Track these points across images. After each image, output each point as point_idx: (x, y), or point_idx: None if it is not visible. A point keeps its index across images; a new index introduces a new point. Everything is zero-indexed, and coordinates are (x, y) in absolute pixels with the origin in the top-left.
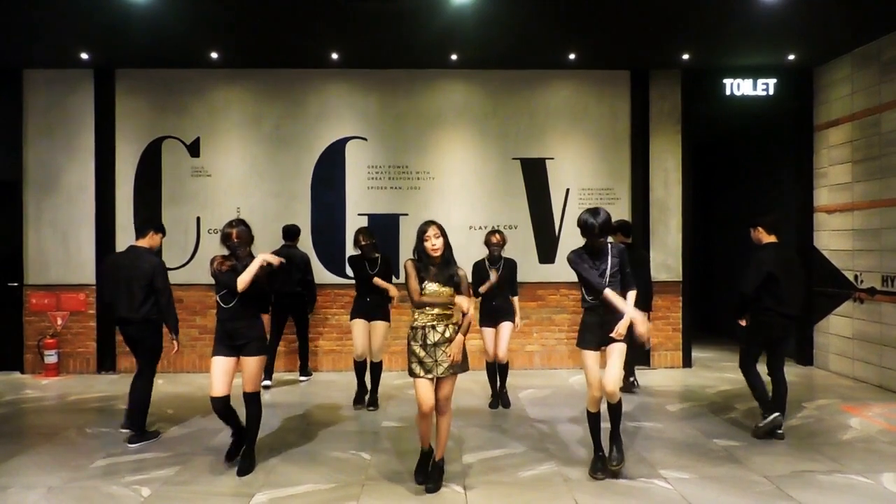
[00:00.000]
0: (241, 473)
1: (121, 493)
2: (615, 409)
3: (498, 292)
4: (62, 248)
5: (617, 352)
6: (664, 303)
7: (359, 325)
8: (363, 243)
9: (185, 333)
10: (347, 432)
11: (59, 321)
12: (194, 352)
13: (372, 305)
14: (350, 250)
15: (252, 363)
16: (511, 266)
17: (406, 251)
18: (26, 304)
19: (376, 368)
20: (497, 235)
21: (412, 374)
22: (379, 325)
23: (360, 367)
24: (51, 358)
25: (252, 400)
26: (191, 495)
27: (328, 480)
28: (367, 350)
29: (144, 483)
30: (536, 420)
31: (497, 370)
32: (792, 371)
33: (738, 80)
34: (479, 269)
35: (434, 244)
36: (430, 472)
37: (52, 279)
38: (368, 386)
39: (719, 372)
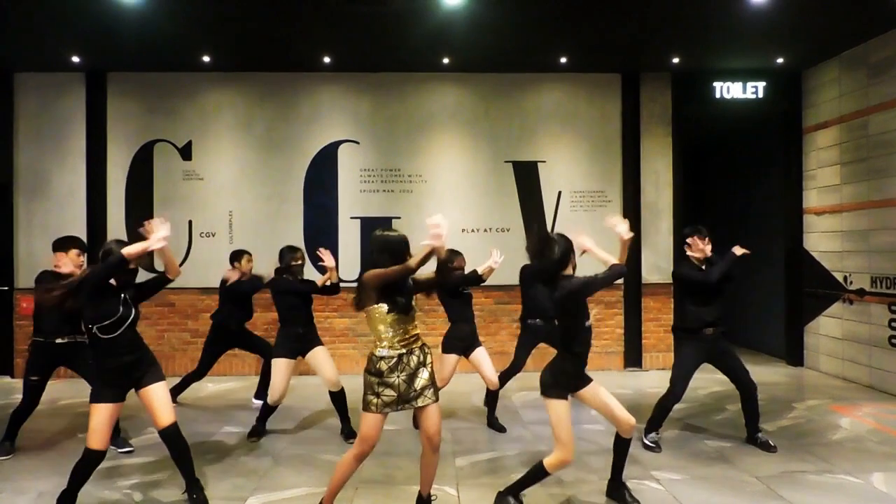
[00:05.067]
0: None
1: (112, 497)
2: (627, 445)
3: (468, 315)
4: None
5: (605, 391)
6: (655, 304)
7: (280, 364)
8: (297, 263)
9: (178, 337)
10: (340, 435)
11: None
12: (185, 356)
13: (305, 336)
14: (344, 253)
15: (161, 389)
16: (468, 279)
17: None
18: (16, 308)
19: (339, 398)
20: (461, 259)
21: (370, 407)
22: (320, 351)
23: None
24: None
25: (173, 434)
26: (183, 500)
27: (321, 483)
28: (284, 394)
29: (136, 488)
30: (529, 422)
31: (487, 398)
32: (782, 371)
33: (728, 83)
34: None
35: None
36: None
37: None
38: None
39: (710, 373)
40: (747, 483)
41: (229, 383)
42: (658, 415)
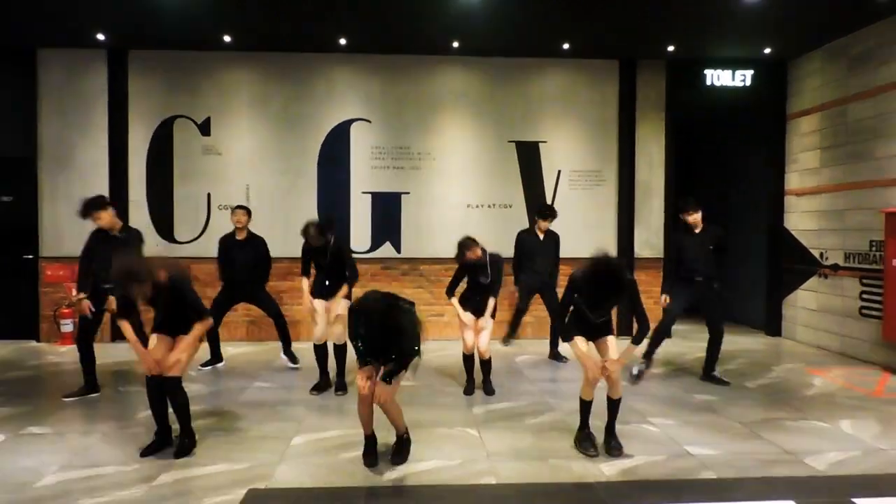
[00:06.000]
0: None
1: None
2: (617, 404)
3: (482, 291)
4: (76, 221)
5: (613, 343)
6: (647, 277)
7: (318, 304)
8: (314, 242)
9: None
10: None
11: (74, 292)
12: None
13: (331, 287)
14: (355, 226)
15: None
16: (498, 266)
17: (407, 228)
18: (42, 275)
19: (340, 351)
20: (476, 251)
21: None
22: (342, 304)
23: (319, 350)
24: (66, 327)
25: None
26: (234, 439)
27: (354, 426)
28: (325, 332)
29: None
30: (535, 380)
31: (480, 365)
32: (761, 341)
33: (719, 71)
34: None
35: None
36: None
37: (67, 251)
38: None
39: (696, 342)
40: (732, 427)
41: (246, 347)
42: (653, 338)
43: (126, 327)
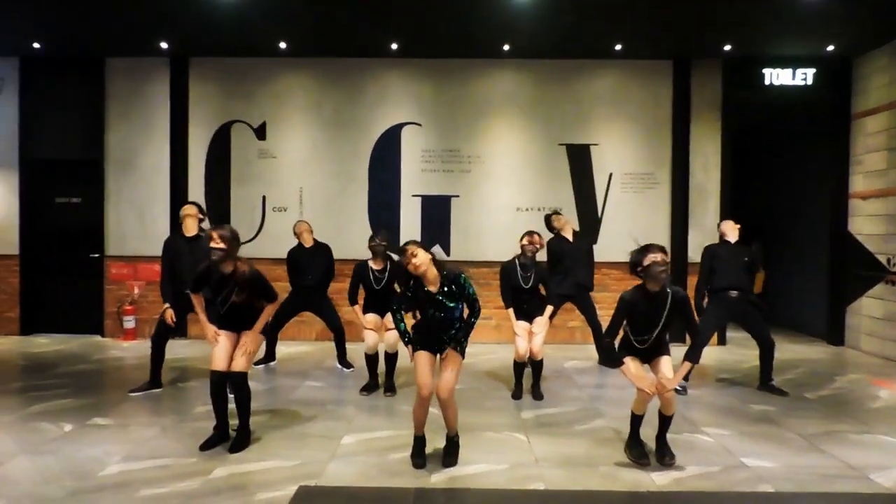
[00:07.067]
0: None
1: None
2: (669, 420)
3: (528, 298)
4: (139, 222)
5: (668, 363)
6: None
7: (371, 317)
8: (379, 244)
9: None
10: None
11: (137, 290)
12: None
13: (385, 300)
14: (405, 229)
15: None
16: (542, 275)
17: (457, 231)
18: (107, 273)
19: (391, 358)
20: (534, 237)
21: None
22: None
23: (370, 358)
24: (129, 323)
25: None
26: (286, 436)
27: (404, 427)
28: (377, 342)
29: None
30: (584, 385)
31: (531, 367)
32: (822, 350)
33: (778, 70)
34: (508, 273)
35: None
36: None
37: (130, 251)
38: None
39: (752, 349)
40: (791, 439)
41: (301, 347)
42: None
43: (198, 300)
